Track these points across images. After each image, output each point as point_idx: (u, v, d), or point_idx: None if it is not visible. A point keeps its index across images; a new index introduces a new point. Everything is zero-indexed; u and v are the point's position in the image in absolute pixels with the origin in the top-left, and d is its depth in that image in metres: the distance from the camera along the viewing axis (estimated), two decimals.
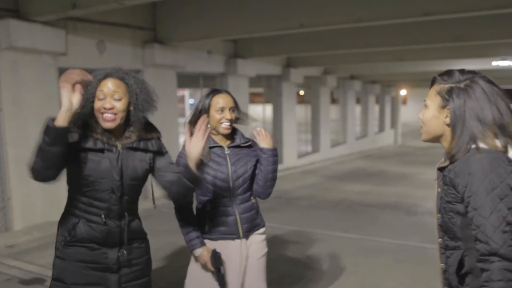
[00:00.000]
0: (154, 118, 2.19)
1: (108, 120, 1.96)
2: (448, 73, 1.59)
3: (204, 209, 2.45)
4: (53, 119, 1.80)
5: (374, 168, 13.13)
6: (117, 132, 2.03)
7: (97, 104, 1.97)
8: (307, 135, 14.21)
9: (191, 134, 2.02)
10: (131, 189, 2.06)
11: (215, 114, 2.39)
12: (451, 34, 7.70)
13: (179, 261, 4.51)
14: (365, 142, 17.97)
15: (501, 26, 7.15)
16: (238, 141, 2.49)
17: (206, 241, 2.41)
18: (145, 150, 2.09)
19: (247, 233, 2.49)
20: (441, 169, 1.63)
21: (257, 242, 2.54)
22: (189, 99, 24.23)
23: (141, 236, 2.16)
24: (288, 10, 6.43)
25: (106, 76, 1.99)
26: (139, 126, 2.06)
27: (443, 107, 1.58)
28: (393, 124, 22.02)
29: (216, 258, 2.34)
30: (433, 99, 1.61)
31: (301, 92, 15.48)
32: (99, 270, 2.02)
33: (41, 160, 1.83)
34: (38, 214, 5.99)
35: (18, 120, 5.81)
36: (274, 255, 4.19)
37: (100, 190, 1.98)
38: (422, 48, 9.60)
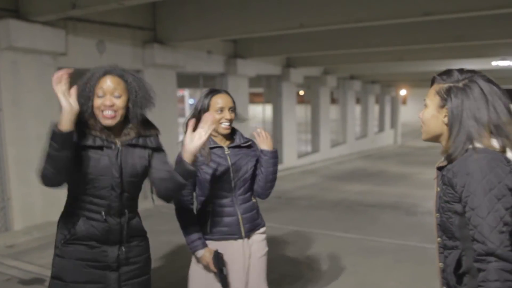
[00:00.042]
0: (154, 118, 2.19)
1: (108, 117, 1.96)
2: (448, 72, 1.60)
3: (205, 209, 2.44)
4: (57, 124, 1.79)
5: (374, 168, 13.13)
6: (116, 129, 2.03)
7: (97, 102, 1.96)
8: (307, 135, 14.20)
9: (194, 129, 2.01)
10: (131, 186, 2.05)
11: (214, 114, 2.39)
12: (451, 34, 7.70)
13: (179, 261, 4.51)
14: (365, 142, 17.97)
15: (501, 26, 7.15)
16: (237, 141, 2.49)
17: (208, 242, 2.40)
18: (144, 147, 2.09)
19: (249, 233, 2.49)
20: (440, 169, 1.63)
21: (258, 241, 2.54)
22: (189, 99, 24.21)
23: (141, 234, 2.16)
24: (288, 10, 6.43)
25: (105, 73, 1.99)
26: (138, 123, 2.06)
27: (442, 106, 1.58)
28: (393, 124, 22.01)
29: (218, 259, 2.33)
30: (432, 99, 1.62)
31: (301, 92, 15.47)
32: (98, 268, 2.02)
33: (51, 166, 1.83)
34: (38, 214, 5.99)
35: (18, 120, 5.81)
36: (274, 255, 4.18)
37: (99, 187, 1.98)
38: (422, 48, 9.59)
